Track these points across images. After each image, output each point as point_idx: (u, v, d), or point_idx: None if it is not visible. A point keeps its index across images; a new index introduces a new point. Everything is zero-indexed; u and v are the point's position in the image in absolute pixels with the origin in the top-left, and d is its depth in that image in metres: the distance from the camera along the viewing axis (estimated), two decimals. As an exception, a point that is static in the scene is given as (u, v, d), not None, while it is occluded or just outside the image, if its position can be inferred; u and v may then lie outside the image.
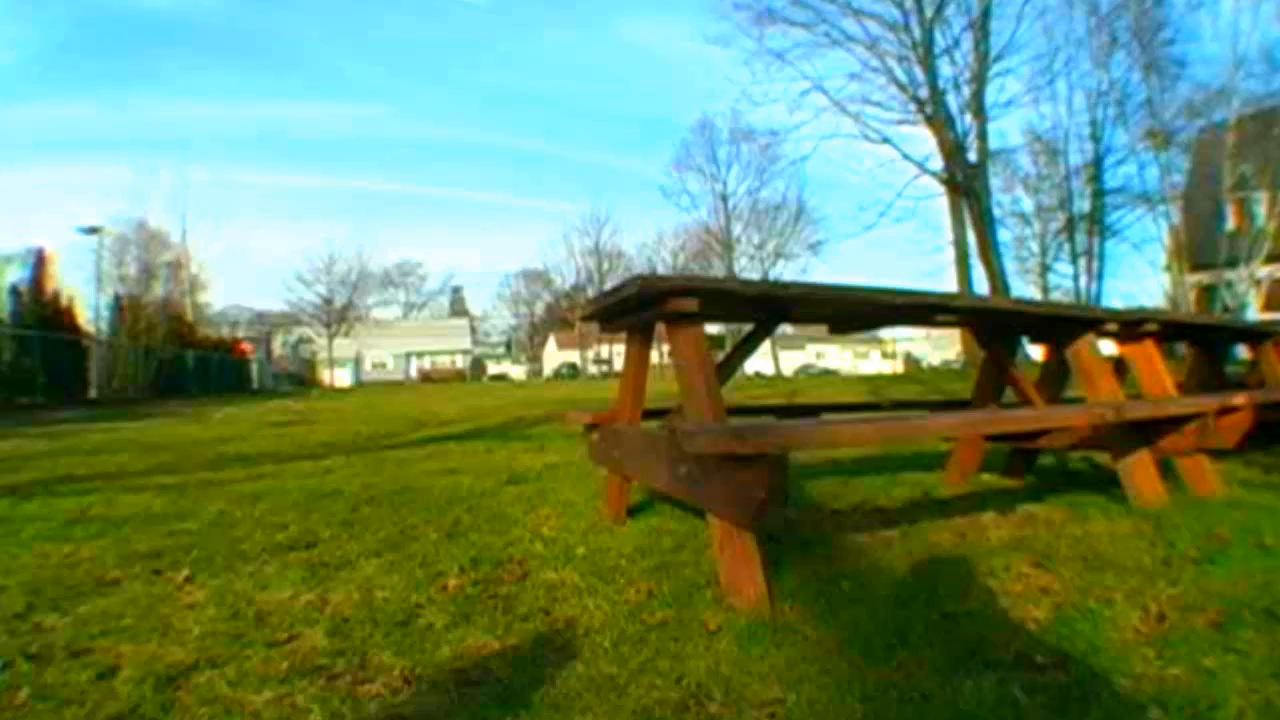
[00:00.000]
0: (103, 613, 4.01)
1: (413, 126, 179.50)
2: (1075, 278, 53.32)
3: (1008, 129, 63.40)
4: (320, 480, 8.44)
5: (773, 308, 5.11)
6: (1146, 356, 6.19)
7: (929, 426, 5.16)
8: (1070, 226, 52.92)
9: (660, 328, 4.59)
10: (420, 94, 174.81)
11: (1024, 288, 56.25)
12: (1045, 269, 57.41)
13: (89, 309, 47.31)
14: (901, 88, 49.76)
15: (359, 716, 2.66)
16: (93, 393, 39.21)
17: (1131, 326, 6.12)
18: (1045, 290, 57.47)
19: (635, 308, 4.57)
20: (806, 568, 4.17)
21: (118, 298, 49.45)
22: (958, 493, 6.43)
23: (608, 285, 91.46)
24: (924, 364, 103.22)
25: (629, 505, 5.65)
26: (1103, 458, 6.50)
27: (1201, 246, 41.30)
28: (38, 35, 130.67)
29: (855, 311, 5.51)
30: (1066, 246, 54.34)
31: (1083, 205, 51.45)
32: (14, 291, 40.48)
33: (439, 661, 3.09)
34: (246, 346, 77.79)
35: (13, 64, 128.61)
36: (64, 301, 41.68)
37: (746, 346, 5.31)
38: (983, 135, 48.96)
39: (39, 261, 41.46)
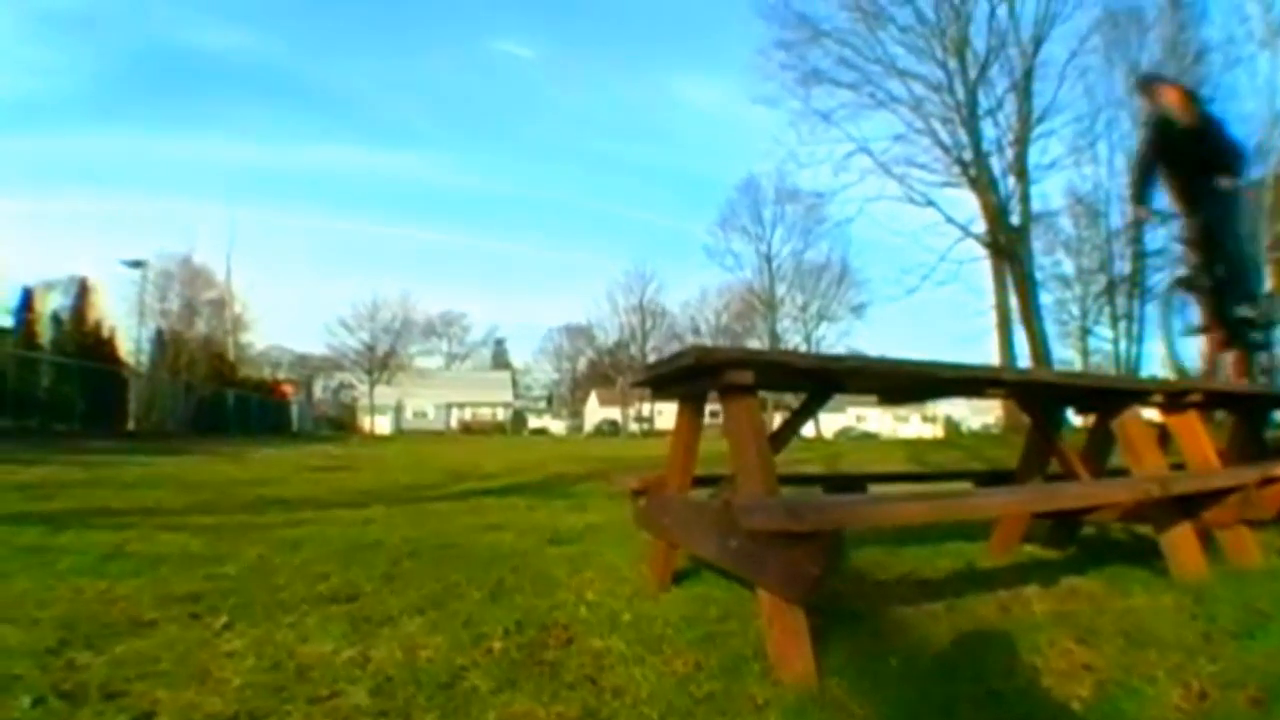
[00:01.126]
0: (138, 654, 4.00)
1: (461, 177, 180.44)
2: (1115, 341, 53.13)
3: (1050, 191, 62.87)
4: (361, 530, 8.46)
5: (826, 380, 5.09)
6: (1190, 428, 6.16)
7: (981, 506, 5.15)
8: (1111, 289, 52.71)
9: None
10: (469, 145, 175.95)
11: (1064, 351, 55.92)
12: (1085, 332, 57.08)
13: (130, 341, 47.70)
14: (945, 150, 49.76)
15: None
16: (131, 425, 39.41)
17: (1176, 397, 6.10)
18: (1085, 354, 57.14)
19: (689, 377, 4.59)
20: (853, 642, 4.12)
21: (160, 332, 49.94)
22: (1001, 564, 6.36)
23: (650, 343, 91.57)
24: (964, 428, 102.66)
25: (674, 571, 5.62)
26: (1144, 528, 6.43)
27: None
28: (92, 65, 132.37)
29: (906, 385, 5.53)
30: (1107, 309, 54.13)
31: (1123, 267, 51.28)
32: (55, 319, 40.95)
33: (484, 726, 3.08)
34: (288, 388, 78.19)
35: (66, 92, 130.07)
36: (105, 332, 42.08)
37: (799, 417, 5.34)
38: (1025, 198, 48.90)
39: (82, 291, 42.05)
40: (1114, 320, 53.03)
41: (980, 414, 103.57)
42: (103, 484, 9.28)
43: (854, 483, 7.50)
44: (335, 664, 3.89)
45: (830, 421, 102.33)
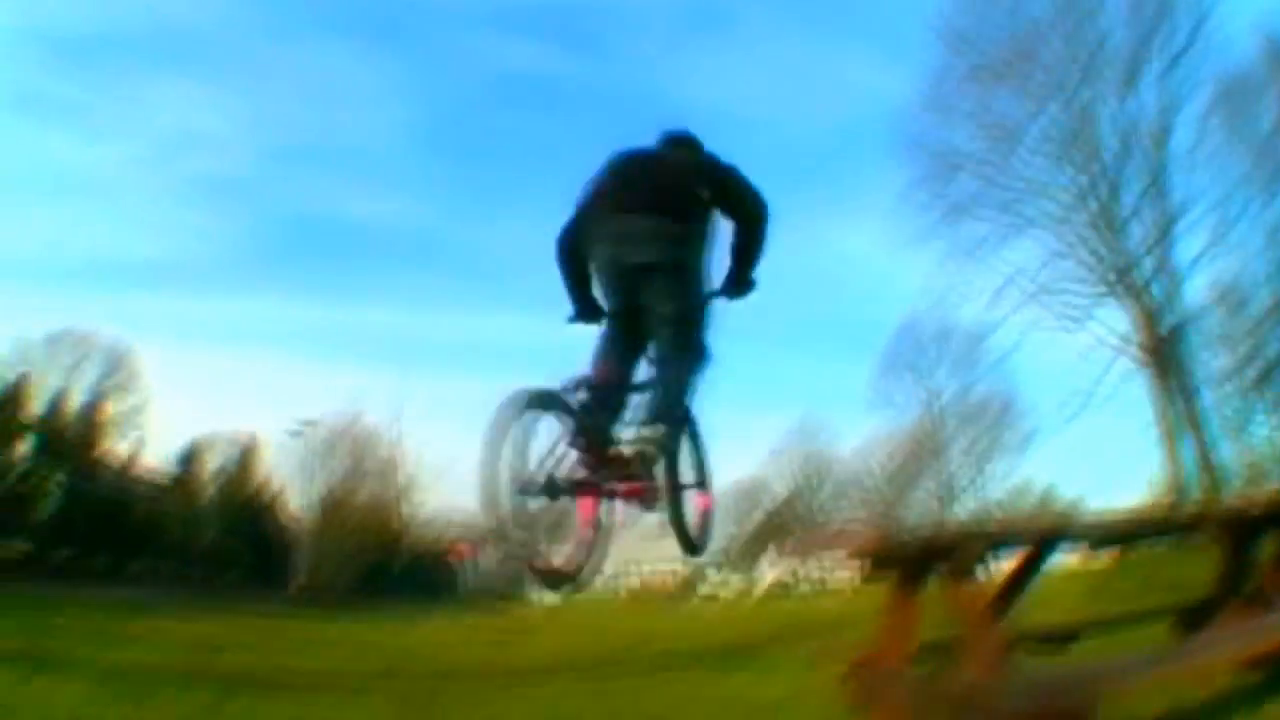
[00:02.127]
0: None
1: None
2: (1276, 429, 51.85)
3: (1195, 286, 61.42)
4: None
5: (1052, 540, 5.00)
6: None
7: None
8: (1267, 375, 51.53)
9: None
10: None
11: (1223, 448, 54.57)
12: (1243, 426, 55.79)
13: (298, 499, 48.31)
14: (1092, 264, 49.15)
15: None
16: (295, 583, 39.76)
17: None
18: (1249, 448, 55.72)
19: (928, 557, 4.52)
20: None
21: (327, 493, 50.36)
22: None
23: (822, 495, 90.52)
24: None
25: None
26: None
27: None
28: (248, 229, 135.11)
29: (1121, 535, 5.45)
30: (1264, 398, 52.89)
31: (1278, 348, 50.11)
32: (220, 473, 41.67)
33: None
34: (464, 548, 78.27)
35: (226, 255, 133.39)
36: (272, 490, 42.70)
37: (1024, 576, 5.23)
38: (1176, 298, 48.06)
39: (248, 447, 42.70)
40: (1274, 408, 51.82)
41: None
42: (271, 643, 9.02)
43: (1066, 637, 7.23)
44: None
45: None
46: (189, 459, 36.95)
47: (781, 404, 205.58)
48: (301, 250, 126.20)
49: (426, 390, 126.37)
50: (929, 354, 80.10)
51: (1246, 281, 47.70)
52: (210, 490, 39.57)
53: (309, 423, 50.71)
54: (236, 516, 34.93)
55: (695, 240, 5.22)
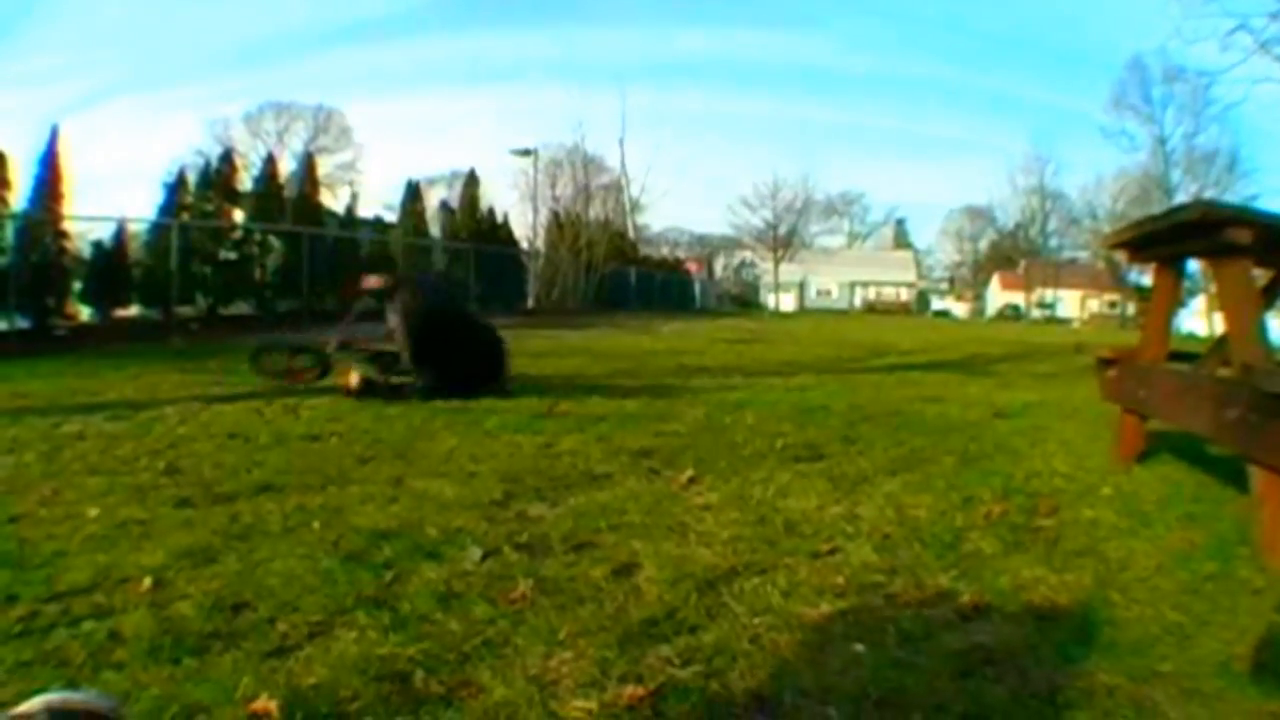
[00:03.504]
0: (601, 506, 4.04)
1: (857, 58, 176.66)
2: None
3: None
4: (800, 396, 8.51)
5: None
6: None
7: None
8: None
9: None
10: (865, 26, 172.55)
11: None
12: None
13: (525, 226, 48.83)
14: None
15: (932, 642, 2.56)
16: (530, 303, 40.34)
17: None
18: None
19: (1180, 236, 4.31)
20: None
21: (555, 214, 50.76)
22: None
23: (1050, 227, 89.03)
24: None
25: (1139, 449, 5.37)
26: None
27: None
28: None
29: None
30: None
31: None
32: (444, 207, 42.20)
33: (1001, 590, 2.98)
34: (692, 265, 78.87)
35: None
36: (498, 217, 43.08)
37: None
38: None
39: (470, 180, 43.10)
40: None
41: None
42: (513, 354, 9.35)
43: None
44: (825, 520, 3.88)
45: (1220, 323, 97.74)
46: (408, 200, 37.23)
47: (1014, 131, 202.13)
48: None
49: (649, 111, 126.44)
50: (1158, 94, 77.50)
51: None
52: (435, 227, 39.93)
53: (526, 151, 50.73)
54: (466, 246, 35.06)
55: None
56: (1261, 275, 4.70)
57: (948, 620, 2.72)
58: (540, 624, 2.66)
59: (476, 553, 3.30)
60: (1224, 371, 4.30)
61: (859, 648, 2.49)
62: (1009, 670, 2.38)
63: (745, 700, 2.22)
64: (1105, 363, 5.53)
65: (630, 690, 2.22)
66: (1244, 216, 3.86)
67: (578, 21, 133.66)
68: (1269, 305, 4.94)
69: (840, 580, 3.05)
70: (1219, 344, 4.85)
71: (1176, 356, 5.50)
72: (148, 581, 2.90)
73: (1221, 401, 3.76)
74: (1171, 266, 5.01)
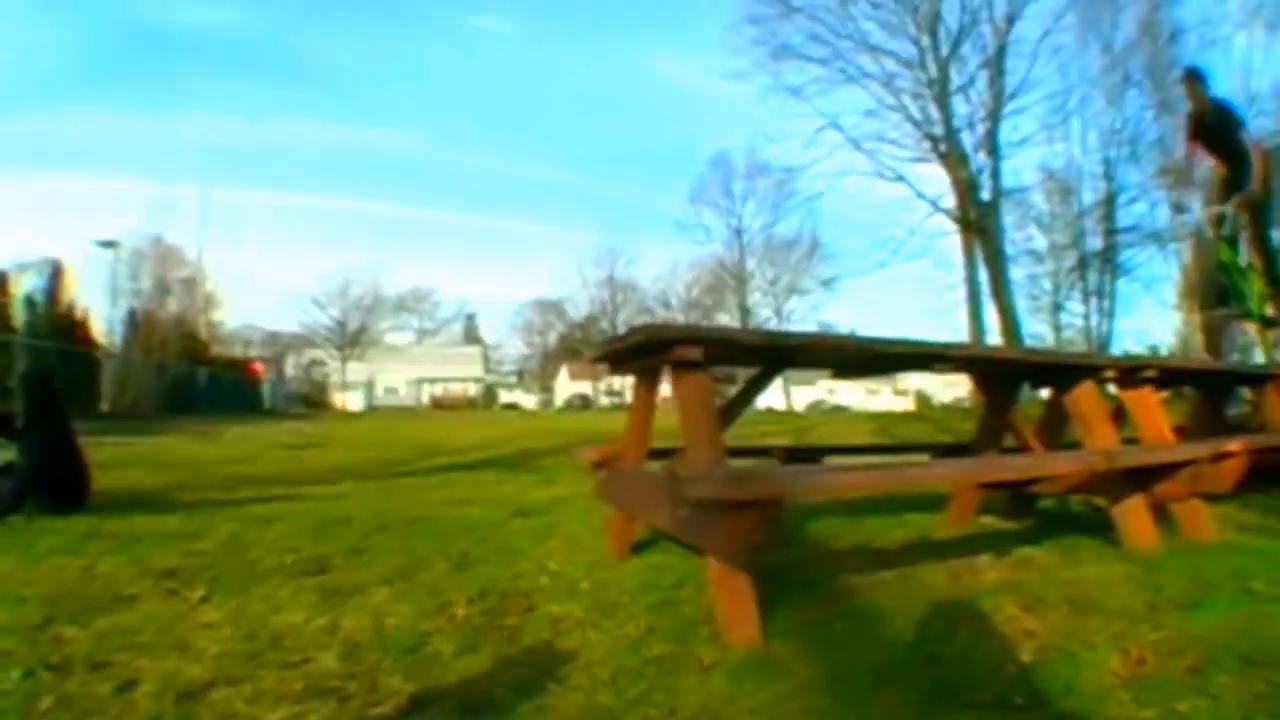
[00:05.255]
0: (121, 628, 4.13)
1: (435, 152, 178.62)
2: (1086, 317, 53.57)
3: (1022, 167, 63.20)
4: (332, 505, 8.59)
5: (775, 356, 5.22)
6: (1144, 403, 6.29)
7: (927, 475, 5.35)
8: (1082, 265, 53.02)
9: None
10: (443, 120, 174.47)
11: (1036, 326, 56.18)
12: (1057, 307, 57.35)
13: (104, 321, 47.50)
14: (916, 125, 49.94)
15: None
16: (104, 406, 39.20)
17: (1130, 373, 6.23)
18: (1058, 329, 57.46)
19: (642, 353, 4.72)
20: (801, 608, 4.29)
21: (132, 312, 49.51)
22: (956, 535, 6.46)
23: (621, 316, 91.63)
24: (934, 401, 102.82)
25: (633, 541, 5.78)
26: (1101, 500, 6.56)
27: (1210, 285, 40.98)
28: (58, 43, 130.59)
29: (857, 360, 5.68)
30: (1079, 285, 54.43)
31: (1095, 244, 51.64)
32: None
33: (445, 686, 3.24)
34: (259, 366, 77.73)
35: (33, 72, 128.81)
36: (79, 314, 41.84)
37: (752, 389, 5.47)
38: (996, 174, 49.13)
39: (55, 273, 41.77)
40: (1085, 296, 53.51)
41: (952, 387, 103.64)
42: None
43: (813, 454, 7.67)
44: (306, 632, 4.05)
45: (803, 394, 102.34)
46: None
47: (589, 225, 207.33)
48: (116, 64, 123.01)
49: (228, 203, 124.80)
50: (739, 189, 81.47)
51: (1074, 174, 49.24)
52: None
53: (109, 243, 49.61)
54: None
55: None
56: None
57: (386, 715, 2.98)
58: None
59: (17, 673, 3.43)
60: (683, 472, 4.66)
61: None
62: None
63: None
64: (597, 465, 5.92)
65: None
66: (690, 334, 4.25)
67: (162, 104, 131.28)
68: (756, 394, 5.45)
69: (299, 687, 3.25)
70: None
71: (662, 453, 5.95)
72: None
73: (675, 500, 4.12)
74: (644, 376, 5.43)
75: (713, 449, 4.16)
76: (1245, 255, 10.95)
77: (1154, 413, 6.32)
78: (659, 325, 4.26)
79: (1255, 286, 10.89)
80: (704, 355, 4.21)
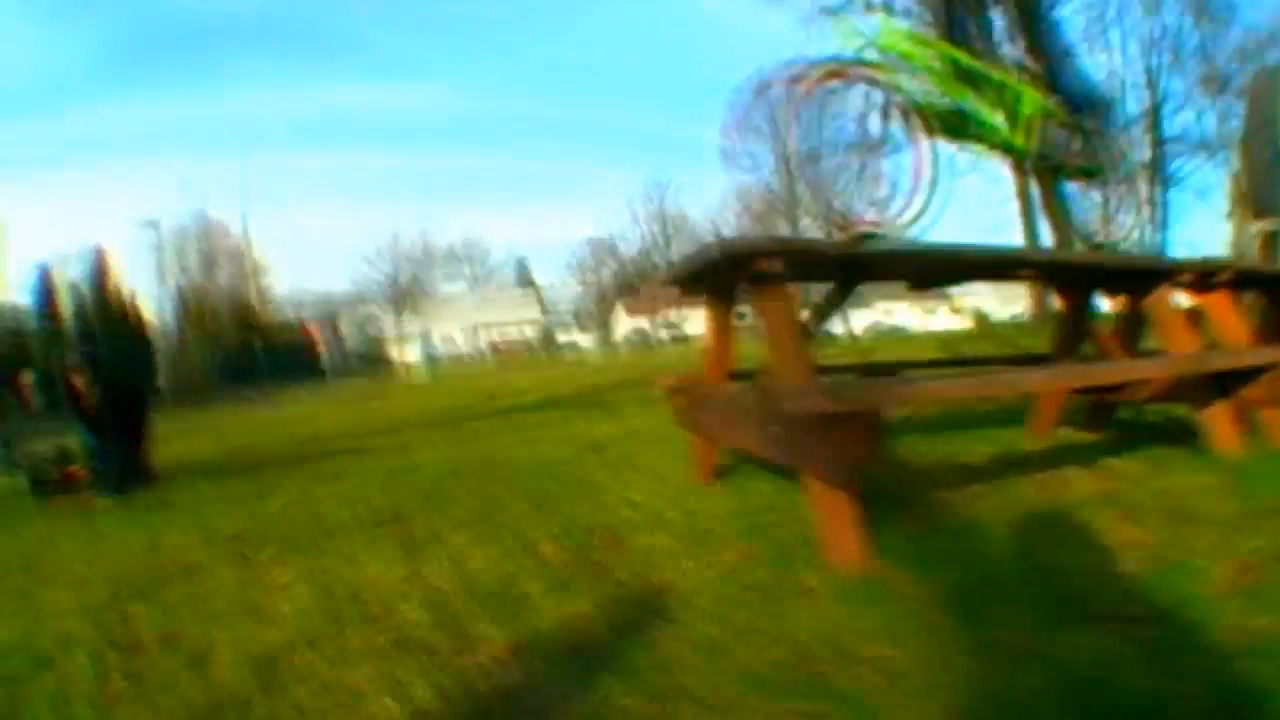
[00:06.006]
0: (190, 597, 4.07)
1: (471, 103, 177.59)
2: (1139, 228, 53.02)
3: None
4: (398, 456, 8.53)
5: (856, 267, 5.03)
6: (1222, 307, 6.07)
7: (1022, 382, 5.15)
8: (1130, 179, 52.51)
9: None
10: (478, 70, 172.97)
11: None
12: (1108, 220, 56.80)
13: (153, 301, 47.75)
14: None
15: (464, 689, 2.65)
16: (160, 383, 39.57)
17: (1206, 277, 6.02)
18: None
19: (717, 272, 4.54)
20: (899, 525, 4.12)
21: (180, 289, 49.72)
22: (1040, 447, 6.32)
23: (673, 250, 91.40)
24: (992, 319, 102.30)
25: (717, 468, 5.65)
26: (1179, 410, 6.36)
27: (1262, 192, 40.54)
28: (85, 36, 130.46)
29: (937, 269, 5.49)
30: (1129, 197, 53.92)
31: (1143, 154, 51.01)
32: (75, 290, 40.95)
33: (540, 630, 3.09)
34: (314, 328, 78.07)
35: (69, 68, 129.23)
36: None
37: (829, 305, 5.29)
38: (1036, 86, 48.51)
39: (99, 259, 41.92)
40: (1137, 207, 52.94)
41: (1008, 304, 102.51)
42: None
43: (889, 370, 7.49)
44: (385, 584, 3.92)
45: (859, 318, 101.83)
46: (44, 283, 35.83)
47: (636, 161, 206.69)
48: (145, 50, 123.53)
49: (269, 172, 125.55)
50: (781, 113, 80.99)
51: (1116, 84, 48.48)
52: (68, 311, 38.62)
53: (151, 223, 49.84)
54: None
55: None
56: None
57: (480, 665, 2.82)
58: (125, 715, 2.74)
59: (82, 656, 3.30)
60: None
61: (388, 701, 2.58)
62: (523, 701, 2.52)
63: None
64: (674, 391, 5.77)
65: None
66: (772, 247, 4.08)
67: (196, 84, 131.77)
68: (834, 309, 5.27)
69: (383, 642, 3.11)
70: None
71: (739, 376, 5.78)
72: None
73: (765, 420, 3.95)
74: (718, 297, 5.27)
75: (801, 364, 3.97)
76: None
77: (1232, 317, 6.09)
78: (735, 240, 4.10)
79: None
80: (784, 268, 4.03)
